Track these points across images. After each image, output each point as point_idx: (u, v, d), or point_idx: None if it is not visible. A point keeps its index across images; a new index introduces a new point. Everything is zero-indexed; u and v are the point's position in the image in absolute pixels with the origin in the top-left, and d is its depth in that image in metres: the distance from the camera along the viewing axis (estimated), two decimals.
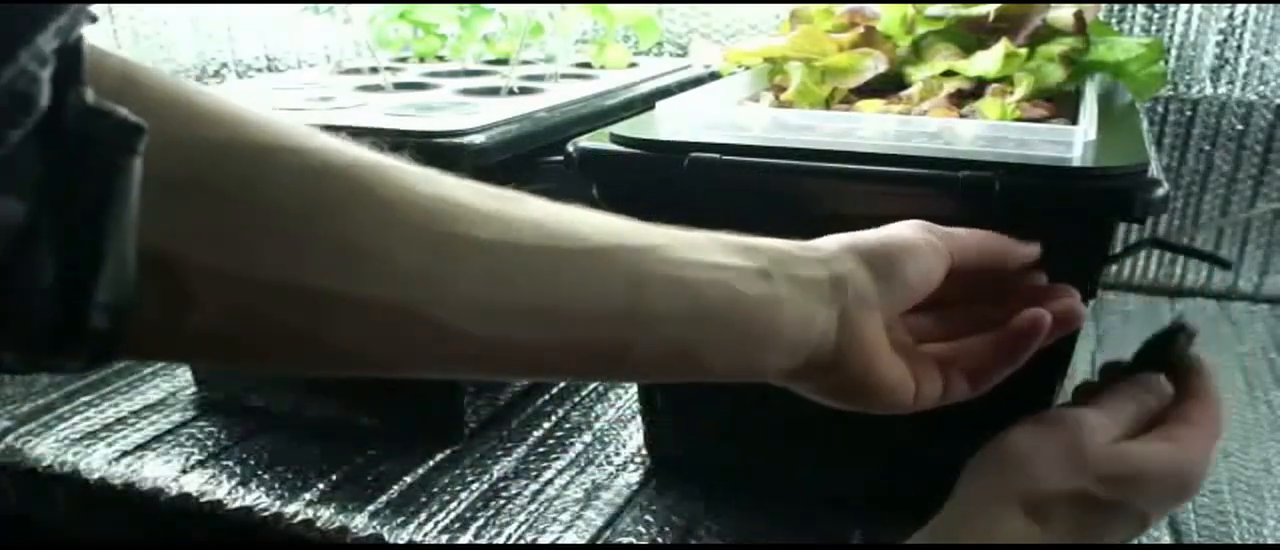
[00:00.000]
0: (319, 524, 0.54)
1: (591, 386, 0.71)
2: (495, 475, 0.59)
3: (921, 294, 0.37)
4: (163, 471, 0.59)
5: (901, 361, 0.37)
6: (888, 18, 0.62)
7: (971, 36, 0.60)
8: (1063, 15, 0.58)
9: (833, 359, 0.35)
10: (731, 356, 0.33)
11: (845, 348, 0.35)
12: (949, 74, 0.58)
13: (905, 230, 0.37)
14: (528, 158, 0.58)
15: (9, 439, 0.63)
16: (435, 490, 0.57)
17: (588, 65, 0.84)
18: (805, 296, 0.34)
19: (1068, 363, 0.48)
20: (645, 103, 0.60)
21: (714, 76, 0.68)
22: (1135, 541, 0.52)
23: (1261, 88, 0.82)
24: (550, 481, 0.58)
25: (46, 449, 0.62)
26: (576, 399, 0.69)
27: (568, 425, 0.65)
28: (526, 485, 0.58)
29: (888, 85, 0.59)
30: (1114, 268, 0.90)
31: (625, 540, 0.53)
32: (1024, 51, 0.56)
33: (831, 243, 0.36)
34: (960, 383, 0.39)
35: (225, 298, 0.25)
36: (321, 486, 0.57)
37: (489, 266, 0.28)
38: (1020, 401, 0.48)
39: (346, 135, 0.57)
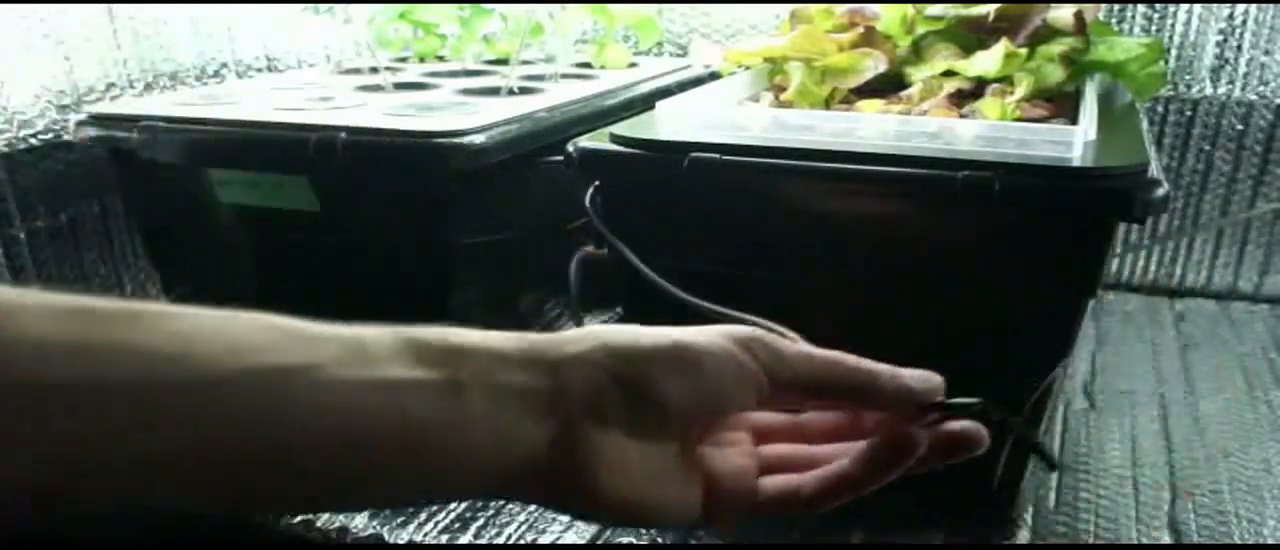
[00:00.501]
0: (319, 524, 0.54)
1: None
2: None
3: (709, 413, 0.33)
4: None
5: (680, 478, 0.32)
6: (888, 18, 0.62)
7: (971, 36, 0.60)
8: (1063, 15, 0.58)
9: (549, 477, 0.30)
10: (403, 485, 0.29)
11: (562, 465, 0.30)
12: (949, 74, 0.58)
13: (701, 339, 0.32)
14: (528, 158, 0.58)
15: None
16: None
17: (588, 65, 0.84)
18: (508, 411, 0.29)
19: (1065, 359, 0.48)
20: (645, 103, 0.61)
21: (714, 76, 0.68)
22: (1135, 542, 0.52)
23: (1261, 88, 0.82)
24: None
25: None
26: None
27: None
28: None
29: (888, 85, 0.59)
30: (1114, 267, 0.91)
31: (625, 540, 0.53)
32: (1024, 51, 0.56)
33: (586, 339, 0.31)
34: (795, 504, 0.34)
35: None
36: None
37: (66, 418, 0.24)
38: (1016, 400, 0.48)
39: (347, 135, 0.56)
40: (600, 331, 0.32)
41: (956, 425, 0.34)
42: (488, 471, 0.29)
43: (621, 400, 0.31)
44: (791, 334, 0.36)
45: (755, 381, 0.32)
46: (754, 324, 0.35)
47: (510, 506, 0.56)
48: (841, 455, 0.34)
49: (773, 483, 0.34)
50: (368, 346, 0.28)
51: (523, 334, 0.31)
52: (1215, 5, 0.82)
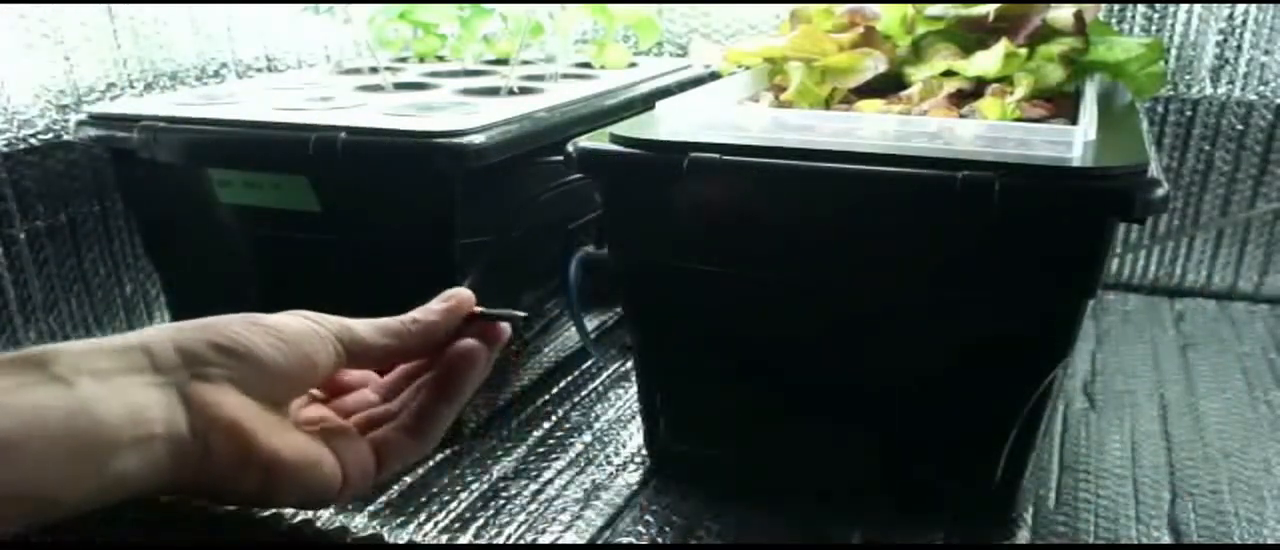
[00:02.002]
0: (319, 524, 0.54)
1: (591, 386, 0.71)
2: (495, 475, 0.59)
3: (300, 372, 0.35)
4: None
5: (306, 437, 0.35)
6: (888, 18, 0.62)
7: (971, 36, 0.60)
8: (1063, 15, 0.58)
9: (202, 445, 0.31)
10: (56, 481, 0.29)
11: (206, 428, 0.32)
12: (949, 74, 0.58)
13: (274, 314, 0.35)
14: (528, 158, 0.58)
15: None
16: (435, 490, 0.57)
17: (588, 65, 0.84)
18: (122, 389, 0.30)
19: (1065, 359, 0.48)
20: (645, 103, 0.60)
21: (714, 76, 0.68)
22: (1135, 542, 0.52)
23: (1261, 88, 0.82)
24: (550, 481, 0.58)
25: None
26: (576, 399, 0.69)
27: (568, 425, 0.65)
28: (526, 485, 0.58)
29: (888, 85, 0.59)
30: (1114, 267, 0.91)
31: (625, 540, 0.53)
32: (1024, 51, 0.56)
33: (165, 325, 0.34)
34: (402, 441, 0.38)
35: None
36: None
37: None
38: (1015, 397, 0.48)
39: (347, 135, 0.57)
40: (161, 327, 0.34)
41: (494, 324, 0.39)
42: (140, 448, 0.30)
43: (219, 360, 0.33)
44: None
45: (333, 345, 0.36)
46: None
47: (510, 506, 0.56)
48: (424, 393, 0.39)
49: (374, 437, 0.38)
50: None
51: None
52: (1215, 5, 0.82)
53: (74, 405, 0.29)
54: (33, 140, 0.70)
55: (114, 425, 0.30)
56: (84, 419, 0.29)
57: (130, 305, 0.79)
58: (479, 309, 0.40)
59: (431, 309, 0.39)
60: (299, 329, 0.35)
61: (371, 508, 0.55)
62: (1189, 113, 0.85)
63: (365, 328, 0.37)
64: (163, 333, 0.33)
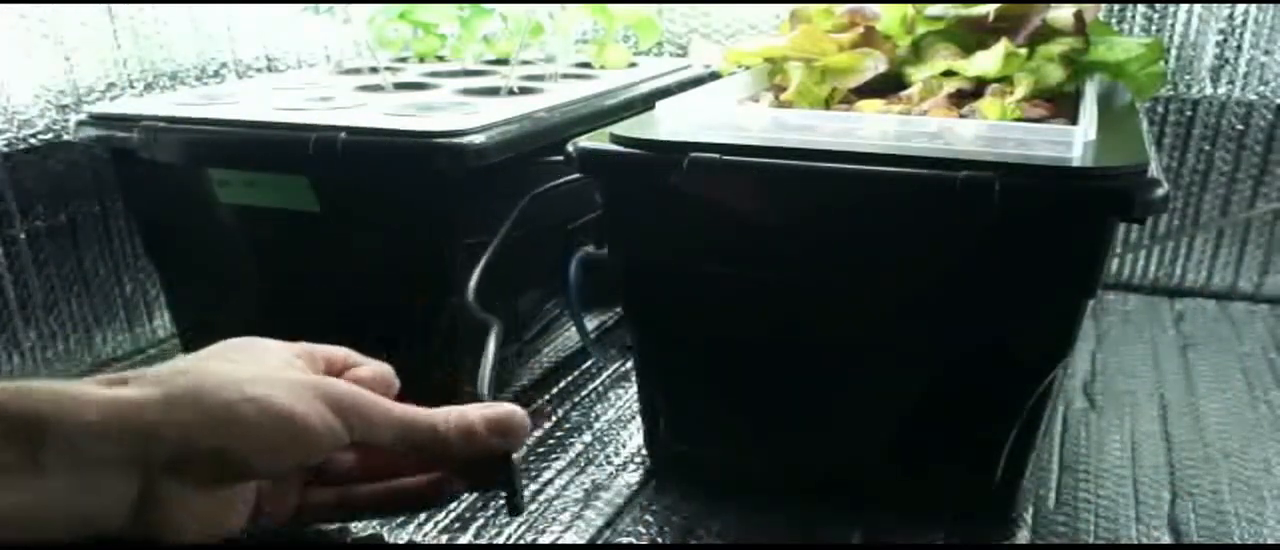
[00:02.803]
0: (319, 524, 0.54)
1: (591, 386, 0.71)
2: None
3: (289, 468, 0.37)
4: None
5: (233, 510, 0.37)
6: (888, 18, 0.62)
7: (971, 36, 0.60)
8: (1063, 15, 0.58)
9: (117, 536, 0.33)
10: None
11: (138, 522, 0.32)
12: (949, 74, 0.58)
13: (297, 406, 0.34)
14: (528, 158, 0.58)
15: None
16: None
17: (588, 65, 0.84)
18: (94, 489, 0.31)
19: (1065, 359, 0.48)
20: (645, 103, 0.60)
21: (714, 76, 0.68)
22: (1135, 542, 0.52)
23: (1261, 88, 0.82)
24: (550, 481, 0.58)
25: None
26: (577, 399, 0.69)
27: (568, 425, 0.65)
28: (526, 485, 0.58)
29: (888, 85, 0.59)
30: (1114, 267, 0.91)
31: (625, 540, 0.53)
32: (1024, 51, 0.56)
33: (179, 388, 0.33)
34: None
35: None
36: None
37: None
38: (1015, 397, 0.48)
39: (347, 135, 0.56)
40: (202, 380, 0.33)
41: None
42: (56, 543, 0.30)
43: (205, 461, 0.33)
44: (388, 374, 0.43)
45: (336, 441, 0.35)
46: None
47: None
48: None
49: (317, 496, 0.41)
50: None
51: (114, 387, 0.32)
52: (1215, 5, 0.82)
53: (22, 509, 0.29)
54: (33, 140, 0.70)
55: (45, 529, 0.30)
56: (21, 523, 0.29)
57: (130, 305, 0.79)
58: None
59: (475, 431, 0.39)
60: (309, 433, 0.34)
61: None
62: (1189, 113, 0.85)
63: (383, 429, 0.36)
64: (180, 423, 0.32)
